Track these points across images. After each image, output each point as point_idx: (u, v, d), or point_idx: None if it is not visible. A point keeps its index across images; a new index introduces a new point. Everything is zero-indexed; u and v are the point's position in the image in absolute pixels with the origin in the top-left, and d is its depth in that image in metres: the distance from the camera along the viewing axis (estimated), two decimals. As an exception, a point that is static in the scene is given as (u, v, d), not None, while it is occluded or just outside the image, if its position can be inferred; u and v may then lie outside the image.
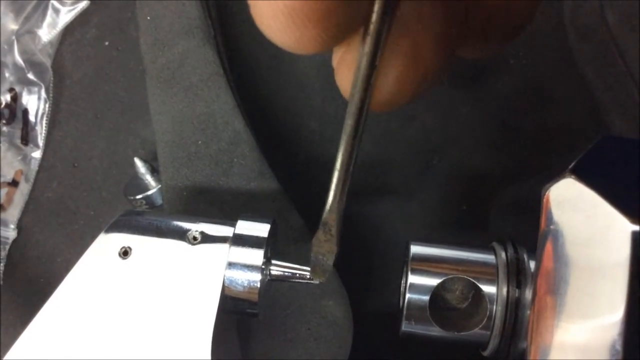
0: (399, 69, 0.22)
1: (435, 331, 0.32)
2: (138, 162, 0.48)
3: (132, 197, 0.48)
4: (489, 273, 0.32)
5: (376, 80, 0.21)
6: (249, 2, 0.21)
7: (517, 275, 0.32)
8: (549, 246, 0.28)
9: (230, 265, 0.33)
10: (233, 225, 0.34)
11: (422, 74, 0.22)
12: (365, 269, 0.50)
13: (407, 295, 0.32)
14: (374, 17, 0.20)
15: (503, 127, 0.52)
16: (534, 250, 0.30)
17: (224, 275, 0.33)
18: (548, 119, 0.51)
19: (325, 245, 0.27)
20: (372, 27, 0.20)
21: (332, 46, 0.22)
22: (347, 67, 0.23)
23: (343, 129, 0.22)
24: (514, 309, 0.31)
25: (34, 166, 0.54)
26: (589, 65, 0.50)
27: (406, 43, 0.21)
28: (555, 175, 0.29)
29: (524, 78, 0.53)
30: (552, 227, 0.28)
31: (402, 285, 0.34)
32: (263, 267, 0.33)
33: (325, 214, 0.25)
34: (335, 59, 0.24)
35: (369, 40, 0.20)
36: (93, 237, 0.34)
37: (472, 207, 0.50)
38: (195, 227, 0.34)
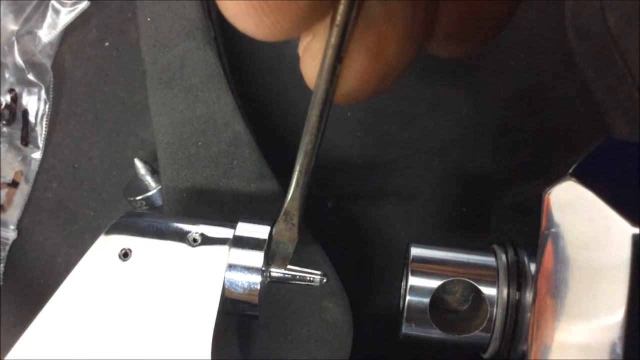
0: (363, 63, 0.22)
1: (435, 334, 0.32)
2: (138, 163, 0.48)
3: (132, 198, 0.48)
4: (490, 275, 0.32)
5: (340, 73, 0.21)
6: None
7: (517, 277, 0.32)
8: (549, 248, 0.28)
9: (231, 267, 0.33)
10: (233, 227, 0.34)
11: (385, 69, 0.22)
12: (365, 271, 0.50)
13: (408, 298, 0.32)
14: (341, 7, 0.20)
15: (504, 128, 0.52)
16: (535, 253, 0.30)
17: (224, 277, 0.32)
18: (548, 120, 0.51)
19: (286, 233, 0.27)
20: (338, 18, 0.20)
21: (295, 34, 0.22)
22: (311, 56, 0.23)
23: (307, 119, 0.22)
24: (515, 311, 0.31)
25: (34, 167, 0.54)
26: (589, 66, 0.50)
27: (371, 37, 0.21)
28: (556, 178, 0.29)
29: (525, 79, 0.53)
30: (552, 229, 0.28)
31: (403, 287, 0.34)
32: (263, 269, 0.33)
33: (286, 203, 0.25)
34: (301, 48, 0.24)
35: (335, 32, 0.20)
36: (93, 238, 0.34)
37: (473, 209, 0.50)
38: (196, 229, 0.34)
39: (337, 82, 0.21)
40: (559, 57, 0.52)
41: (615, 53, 0.48)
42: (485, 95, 0.53)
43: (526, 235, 0.32)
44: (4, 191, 0.53)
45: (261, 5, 0.20)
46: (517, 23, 0.52)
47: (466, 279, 0.32)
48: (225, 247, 0.33)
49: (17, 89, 0.54)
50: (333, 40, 0.20)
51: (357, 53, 0.21)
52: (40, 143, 0.54)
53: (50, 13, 0.54)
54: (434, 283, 0.32)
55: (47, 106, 0.54)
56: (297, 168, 0.24)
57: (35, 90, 0.54)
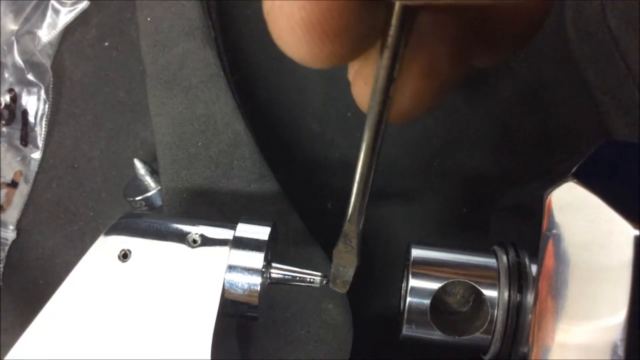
0: (416, 82, 0.22)
1: (436, 335, 0.32)
2: (138, 163, 0.48)
3: (131, 199, 0.48)
4: (490, 277, 0.32)
5: (394, 93, 0.21)
6: (266, 17, 0.21)
7: (518, 279, 0.31)
8: (550, 250, 0.28)
9: (231, 268, 0.33)
10: (233, 228, 0.34)
11: (438, 86, 0.22)
12: (365, 272, 0.49)
13: (408, 299, 0.32)
14: (392, 30, 0.20)
15: (504, 129, 0.52)
16: (536, 254, 0.30)
17: (224, 279, 0.32)
18: (549, 121, 0.51)
19: (345, 256, 0.27)
20: (389, 40, 0.20)
21: (349, 60, 0.22)
22: (363, 80, 0.23)
23: (362, 141, 0.22)
24: (516, 313, 0.31)
25: (34, 167, 0.54)
26: (589, 67, 0.50)
27: (422, 56, 0.21)
28: (557, 179, 0.28)
29: (525, 80, 0.52)
30: (554, 231, 0.28)
31: (403, 288, 0.34)
32: (263, 270, 0.33)
33: (345, 226, 0.25)
34: (351, 73, 0.24)
35: (386, 53, 0.20)
36: (92, 239, 0.34)
37: (473, 209, 0.50)
38: (195, 230, 0.34)
39: (390, 103, 0.21)
40: (559, 58, 0.52)
41: (615, 54, 0.48)
42: (486, 96, 0.52)
43: (527, 236, 0.32)
44: (4, 191, 0.53)
45: (319, 35, 0.20)
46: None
47: (467, 281, 0.32)
48: (226, 248, 0.33)
49: (17, 89, 0.54)
50: (385, 62, 0.20)
51: (410, 72, 0.21)
52: (40, 143, 0.54)
53: (50, 13, 0.54)
54: (434, 284, 0.32)
55: (46, 106, 0.54)
56: (354, 191, 0.24)
57: (35, 90, 0.54)
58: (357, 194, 0.24)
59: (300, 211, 0.44)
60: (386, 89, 0.21)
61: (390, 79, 0.21)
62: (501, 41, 0.23)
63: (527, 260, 0.32)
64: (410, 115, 0.23)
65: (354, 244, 0.26)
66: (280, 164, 0.46)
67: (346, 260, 0.27)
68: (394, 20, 0.20)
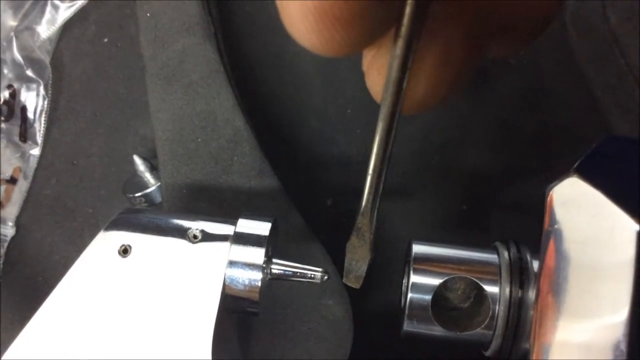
0: (431, 71, 0.22)
1: (437, 331, 0.32)
2: (137, 159, 0.48)
3: (131, 195, 0.48)
4: (492, 273, 0.32)
5: (408, 83, 0.21)
6: (278, 5, 0.20)
7: (520, 275, 0.31)
8: (552, 246, 0.28)
9: (231, 263, 0.32)
10: (234, 223, 0.34)
11: (453, 75, 0.22)
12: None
13: (409, 295, 0.32)
14: (405, 19, 0.20)
15: (503, 126, 0.52)
16: (537, 250, 0.29)
17: (225, 274, 0.32)
18: (549, 119, 0.51)
19: (359, 250, 0.26)
20: (403, 29, 0.20)
21: (361, 49, 0.22)
22: (377, 70, 0.23)
23: (376, 133, 0.22)
24: (517, 309, 0.31)
25: (33, 163, 0.53)
26: (590, 65, 0.50)
27: (437, 45, 0.21)
28: (558, 175, 0.28)
29: (525, 77, 0.52)
30: (555, 226, 0.28)
31: (404, 284, 0.34)
32: (264, 266, 0.33)
33: (358, 219, 0.25)
34: (365, 63, 0.24)
35: (400, 43, 0.20)
36: (92, 235, 0.34)
37: (473, 206, 0.50)
38: (196, 225, 0.34)
39: (404, 93, 0.21)
40: (559, 55, 0.52)
41: (615, 51, 0.48)
42: (486, 93, 0.52)
43: (526, 233, 0.32)
44: (3, 187, 0.53)
45: (331, 21, 0.20)
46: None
47: (468, 276, 0.32)
48: (226, 244, 0.33)
49: (16, 85, 0.54)
50: (398, 52, 0.20)
51: (424, 61, 0.21)
52: (39, 139, 0.54)
53: (49, 9, 0.54)
54: (435, 280, 0.32)
55: (45, 102, 0.54)
56: (367, 184, 0.23)
57: (34, 86, 0.54)
58: (370, 187, 0.23)
59: (300, 207, 0.44)
60: (400, 79, 0.20)
61: (404, 69, 0.20)
62: (516, 30, 0.23)
63: (528, 256, 0.32)
64: (425, 105, 0.23)
65: (367, 237, 0.26)
66: (280, 160, 0.45)
67: (359, 255, 0.27)
68: (407, 9, 0.19)
